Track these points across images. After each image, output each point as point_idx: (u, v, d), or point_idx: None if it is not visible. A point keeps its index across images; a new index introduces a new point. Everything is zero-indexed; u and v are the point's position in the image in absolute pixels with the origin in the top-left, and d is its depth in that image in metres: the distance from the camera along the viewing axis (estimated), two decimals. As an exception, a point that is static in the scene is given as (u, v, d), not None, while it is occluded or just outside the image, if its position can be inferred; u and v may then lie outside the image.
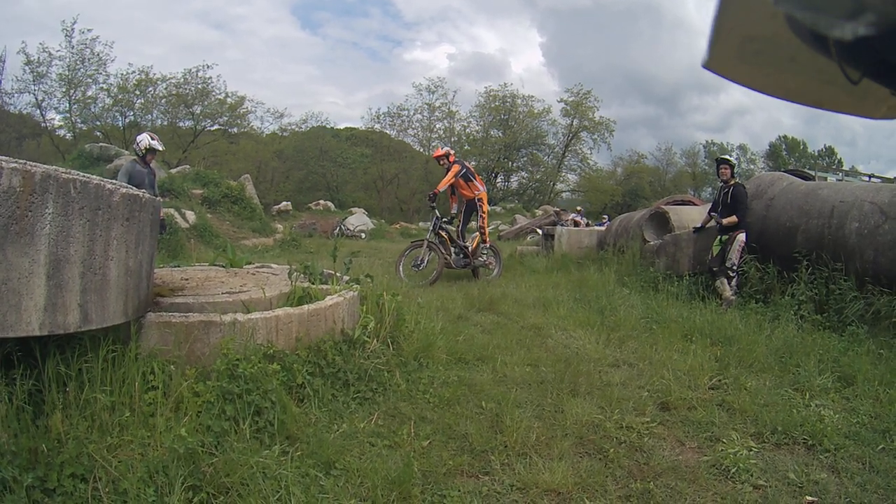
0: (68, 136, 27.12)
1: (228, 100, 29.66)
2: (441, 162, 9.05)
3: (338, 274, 4.43)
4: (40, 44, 28.90)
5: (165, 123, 28.91)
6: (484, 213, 9.12)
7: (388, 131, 39.38)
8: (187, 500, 2.18)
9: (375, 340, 3.73)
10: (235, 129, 31.90)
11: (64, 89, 25.96)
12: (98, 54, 25.97)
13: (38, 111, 26.16)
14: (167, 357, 2.77)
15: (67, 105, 26.24)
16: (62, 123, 27.38)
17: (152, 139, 6.77)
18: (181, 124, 29.07)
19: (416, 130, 39.92)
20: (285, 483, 2.31)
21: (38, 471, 2.13)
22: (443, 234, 8.80)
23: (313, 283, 4.03)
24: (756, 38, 0.88)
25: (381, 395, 3.42)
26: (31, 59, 24.98)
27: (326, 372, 3.33)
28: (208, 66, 31.98)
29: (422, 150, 39.05)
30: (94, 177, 2.51)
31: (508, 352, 4.62)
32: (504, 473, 2.67)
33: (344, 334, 3.61)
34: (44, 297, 2.26)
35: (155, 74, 28.22)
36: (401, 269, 8.34)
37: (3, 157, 2.24)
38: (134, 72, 27.31)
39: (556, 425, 3.20)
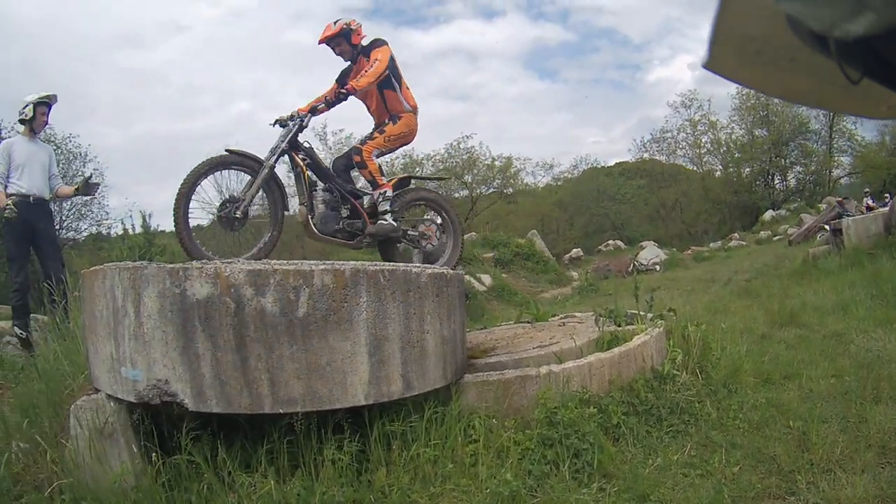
0: None
1: (496, 163, 30.83)
2: (337, 50, 4.67)
3: (641, 312, 4.49)
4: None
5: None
6: (383, 134, 4.70)
7: (657, 157, 37.73)
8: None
9: (684, 372, 3.73)
10: (511, 190, 33.45)
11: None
12: None
13: None
14: (486, 412, 3.10)
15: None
16: None
17: None
18: (456, 195, 30.49)
19: (684, 150, 37.59)
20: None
21: (364, 520, 2.57)
22: (301, 158, 4.46)
23: (619, 326, 4.18)
24: (756, 38, 0.87)
25: (693, 425, 3.41)
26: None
27: (640, 409, 3.41)
28: (467, 137, 34.13)
29: (694, 168, 36.49)
30: (401, 264, 3.00)
31: (812, 365, 4.40)
32: (809, 492, 2.64)
33: (654, 371, 3.67)
34: (367, 373, 2.77)
35: (419, 155, 30.12)
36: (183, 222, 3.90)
37: (313, 262, 2.83)
38: (397, 157, 29.49)
39: (859, 436, 3.10)
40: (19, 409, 3.12)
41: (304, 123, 4.41)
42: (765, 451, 3.05)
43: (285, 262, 3.09)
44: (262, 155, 4.25)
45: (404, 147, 5.25)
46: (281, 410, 2.68)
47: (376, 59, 4.52)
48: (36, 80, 43.84)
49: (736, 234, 24.43)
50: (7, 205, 4.65)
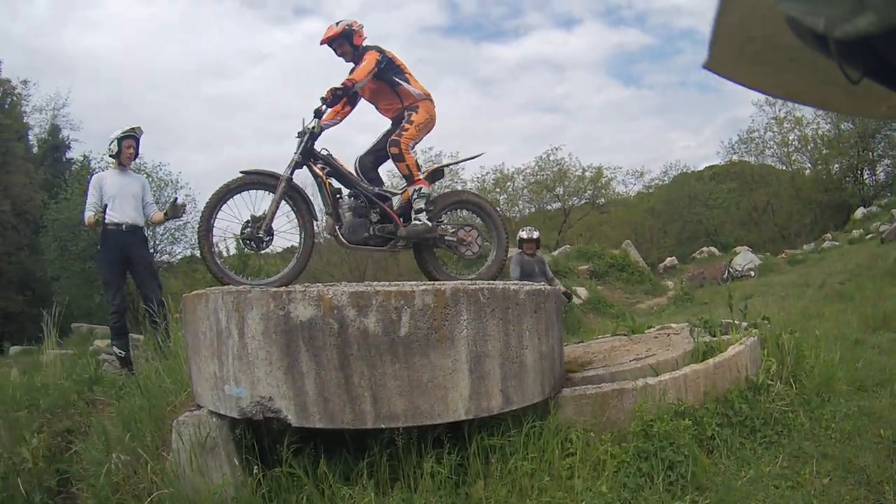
0: None
1: (587, 174, 29.94)
2: (339, 51, 4.51)
3: (735, 321, 4.46)
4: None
5: (533, 210, 30.23)
6: (412, 123, 4.39)
7: (746, 158, 36.60)
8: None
9: (778, 382, 3.67)
10: (602, 200, 32.90)
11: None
12: (447, 166, 29.55)
13: None
14: (584, 426, 3.09)
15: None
16: None
17: (523, 231, 7.32)
18: (548, 208, 30.15)
19: (772, 149, 36.37)
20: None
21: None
22: (319, 168, 4.20)
23: (714, 336, 4.18)
24: (756, 38, 0.87)
25: (786, 436, 3.38)
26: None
27: (734, 421, 3.38)
28: (557, 149, 33.55)
29: (783, 167, 35.32)
30: (499, 282, 2.95)
31: (906, 371, 4.25)
32: (897, 503, 2.59)
33: (748, 381, 3.63)
34: (468, 388, 2.77)
35: (509, 169, 29.73)
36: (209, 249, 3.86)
37: (414, 283, 2.78)
38: (488, 172, 28.96)
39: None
40: (121, 424, 3.21)
41: (315, 131, 4.15)
42: (855, 462, 3.05)
43: (387, 283, 3.08)
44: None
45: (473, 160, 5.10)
46: (383, 426, 2.70)
47: (365, 60, 4.33)
48: (124, 114, 43.90)
49: (828, 235, 23.69)
50: (96, 222, 4.84)
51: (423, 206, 4.27)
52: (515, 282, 2.97)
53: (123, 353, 4.77)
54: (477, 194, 5.20)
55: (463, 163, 5.81)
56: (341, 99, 4.19)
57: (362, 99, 4.50)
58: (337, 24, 4.46)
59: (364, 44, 4.47)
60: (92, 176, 5.49)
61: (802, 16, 0.74)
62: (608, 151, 67.42)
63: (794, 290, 11.36)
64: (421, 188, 4.31)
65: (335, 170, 4.26)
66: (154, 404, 3.24)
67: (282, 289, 2.79)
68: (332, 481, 2.70)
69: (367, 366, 2.61)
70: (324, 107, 4.14)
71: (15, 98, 23.01)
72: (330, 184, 4.20)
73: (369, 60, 4.28)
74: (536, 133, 61.82)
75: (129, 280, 5.30)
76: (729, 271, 19.36)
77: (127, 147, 5.01)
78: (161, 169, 19.31)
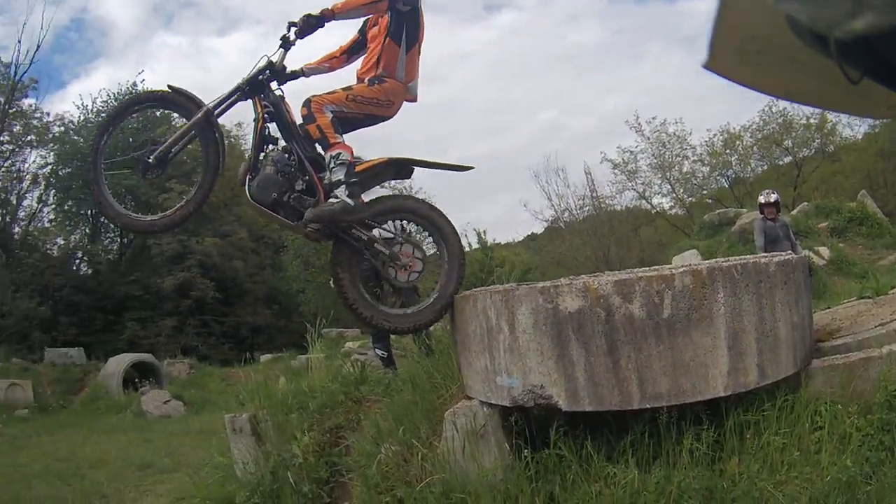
0: (680, 212, 28.73)
1: (811, 121, 28.83)
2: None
3: None
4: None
5: (766, 167, 28.91)
6: (350, 90, 3.64)
7: None
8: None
9: None
10: (831, 147, 31.13)
11: (659, 175, 27.87)
12: (674, 133, 27.18)
13: (642, 202, 28.51)
14: (832, 397, 3.09)
15: (670, 187, 28.07)
16: (672, 204, 29.08)
17: (762, 195, 7.17)
18: (780, 163, 28.61)
19: None
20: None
21: None
22: (262, 106, 3.59)
23: None
24: (756, 38, 0.87)
25: None
26: (616, 162, 27.26)
27: None
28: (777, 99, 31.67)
29: None
30: (749, 256, 3.01)
31: None
32: None
33: None
34: (726, 365, 2.88)
35: (735, 128, 28.30)
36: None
37: (672, 266, 2.87)
38: (715, 134, 27.87)
39: None
40: (392, 418, 3.48)
41: (276, 66, 3.50)
42: None
43: (647, 269, 3.19)
44: None
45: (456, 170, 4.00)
46: (648, 405, 2.86)
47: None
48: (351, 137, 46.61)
49: None
50: None
51: (341, 176, 3.37)
52: (764, 254, 3.01)
53: (385, 353, 5.01)
54: (431, 206, 3.84)
55: (441, 169, 4.17)
56: (315, 28, 3.47)
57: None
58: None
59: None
60: None
61: (802, 16, 0.74)
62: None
63: None
64: (340, 153, 3.40)
65: (279, 116, 3.56)
66: (425, 398, 3.50)
67: (548, 283, 3.00)
68: (597, 460, 2.86)
69: (634, 349, 2.78)
70: (291, 35, 3.50)
71: (233, 140, 25.06)
72: (266, 128, 3.56)
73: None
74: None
75: None
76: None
77: None
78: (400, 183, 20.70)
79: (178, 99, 3.43)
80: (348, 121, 3.52)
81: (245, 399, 4.54)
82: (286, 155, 3.50)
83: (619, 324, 2.77)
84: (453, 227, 3.64)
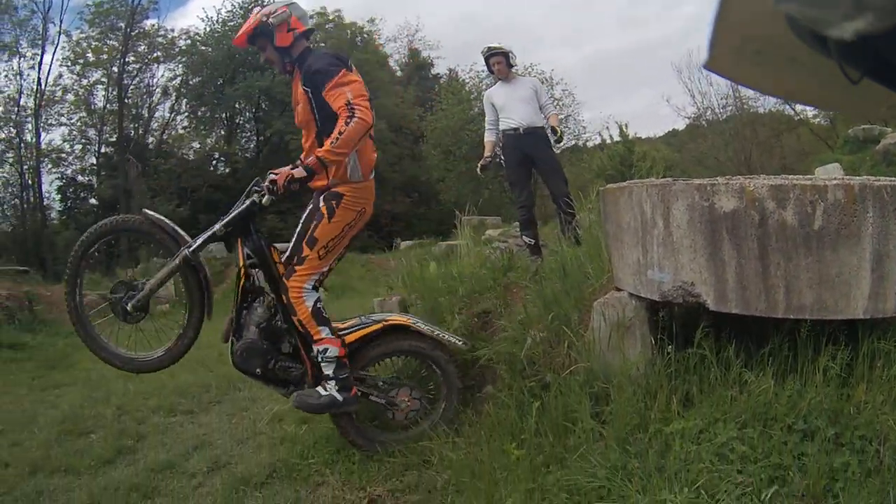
0: (823, 122, 26.53)
1: None
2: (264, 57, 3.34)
3: None
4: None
5: None
6: (329, 239, 3.24)
7: None
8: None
9: None
10: None
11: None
12: None
13: (785, 106, 26.21)
14: None
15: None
16: (815, 112, 28.03)
17: None
18: None
19: None
20: None
21: (836, 427, 2.68)
22: (246, 255, 3.24)
23: None
24: (756, 38, 0.87)
25: None
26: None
27: None
28: None
29: None
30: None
31: None
32: None
33: None
34: (868, 287, 2.88)
35: None
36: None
37: (825, 177, 3.02)
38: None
39: None
40: (542, 305, 3.73)
41: (263, 201, 3.11)
42: None
43: (801, 176, 3.34)
44: None
45: None
46: (791, 316, 2.95)
47: (349, 104, 2.94)
48: (474, 27, 49.02)
49: None
50: (488, 158, 5.49)
51: (330, 372, 3.16)
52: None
53: (533, 241, 5.29)
54: (430, 335, 3.55)
55: (443, 338, 3.68)
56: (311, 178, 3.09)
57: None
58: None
59: (296, 35, 3.17)
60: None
61: (802, 16, 0.75)
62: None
63: None
64: (327, 349, 3.15)
65: (265, 265, 3.21)
66: (575, 287, 3.71)
67: (705, 181, 3.11)
68: (736, 366, 2.98)
69: (784, 257, 2.88)
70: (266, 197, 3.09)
71: (367, 35, 26.98)
72: (249, 280, 3.24)
73: (361, 120, 2.92)
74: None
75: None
76: None
77: (496, 63, 5.44)
78: (532, 69, 21.38)
79: (155, 232, 3.22)
80: (326, 274, 3.33)
81: (394, 283, 4.90)
82: (270, 314, 3.25)
83: (772, 229, 2.86)
84: (452, 360, 3.64)
